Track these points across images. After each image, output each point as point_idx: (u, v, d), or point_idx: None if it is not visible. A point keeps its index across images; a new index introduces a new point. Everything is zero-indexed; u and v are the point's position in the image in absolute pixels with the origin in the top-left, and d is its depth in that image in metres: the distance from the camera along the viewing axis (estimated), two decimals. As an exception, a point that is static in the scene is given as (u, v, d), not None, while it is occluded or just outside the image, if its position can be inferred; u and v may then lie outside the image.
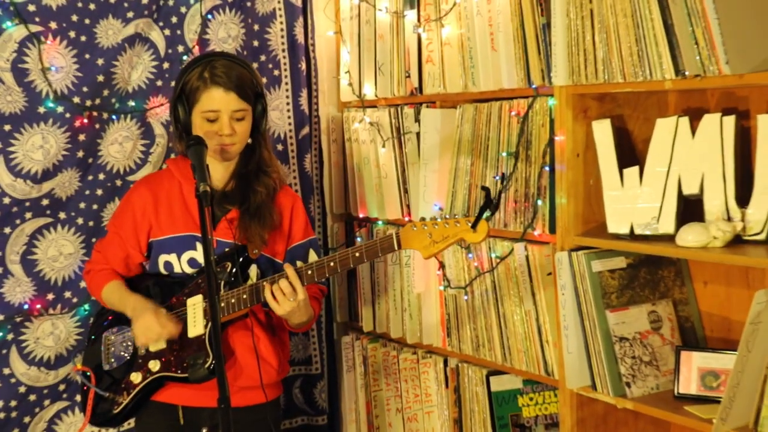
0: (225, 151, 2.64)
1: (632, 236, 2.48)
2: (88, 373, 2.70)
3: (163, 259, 2.70)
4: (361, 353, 3.46)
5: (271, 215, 2.66)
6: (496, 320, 2.88)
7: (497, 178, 2.80)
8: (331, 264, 2.53)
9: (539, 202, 2.70)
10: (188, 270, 2.68)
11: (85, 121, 3.04)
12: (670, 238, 2.41)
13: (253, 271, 2.67)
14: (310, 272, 2.55)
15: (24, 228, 3.01)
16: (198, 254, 2.67)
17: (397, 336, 3.29)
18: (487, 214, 2.41)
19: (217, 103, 2.58)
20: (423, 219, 2.48)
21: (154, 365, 2.62)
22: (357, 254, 2.51)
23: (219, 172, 2.69)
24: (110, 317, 2.76)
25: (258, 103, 2.67)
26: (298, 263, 2.64)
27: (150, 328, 2.58)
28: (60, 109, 3.00)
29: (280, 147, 3.45)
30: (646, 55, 2.32)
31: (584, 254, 2.55)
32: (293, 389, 3.53)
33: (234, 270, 2.61)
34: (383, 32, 3.22)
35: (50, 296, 3.09)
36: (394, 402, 3.34)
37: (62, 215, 3.08)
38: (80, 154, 3.07)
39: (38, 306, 3.07)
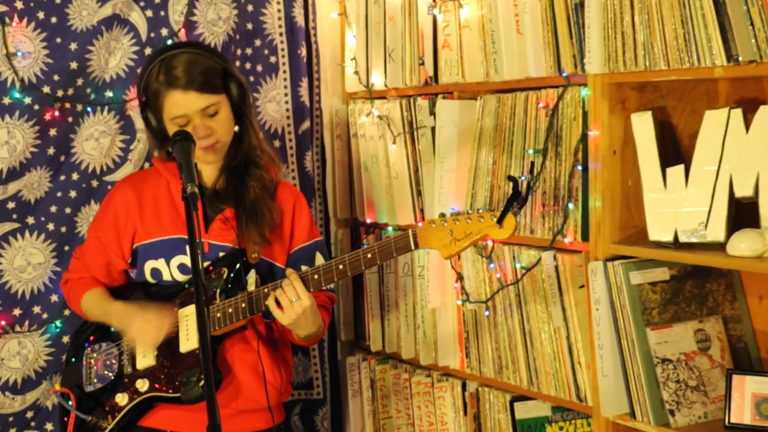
0: (211, 152, 2.64)
1: (676, 244, 2.47)
2: (68, 395, 2.68)
3: (150, 265, 2.69)
4: (368, 376, 3.45)
5: (270, 211, 2.66)
6: (521, 339, 2.87)
7: (523, 178, 2.79)
8: (340, 267, 2.52)
9: (570, 206, 2.69)
10: (179, 277, 2.67)
11: (57, 113, 3.04)
12: (720, 247, 2.40)
13: (252, 277, 2.66)
14: (316, 276, 2.54)
15: (-11, 235, 3.02)
16: (189, 259, 2.64)
17: (409, 356, 3.28)
18: (515, 207, 2.40)
19: (181, 107, 2.60)
20: (442, 215, 2.47)
21: (142, 385, 2.61)
22: (369, 255, 2.50)
23: (207, 169, 2.71)
24: (92, 333, 2.75)
25: (230, 86, 2.65)
26: (303, 268, 2.63)
27: (143, 332, 2.58)
28: (28, 100, 3.00)
29: (277, 143, 3.45)
30: (694, 38, 2.30)
31: (621, 264, 2.54)
32: (292, 416, 3.52)
33: (231, 276, 2.59)
34: (394, 14, 3.21)
35: (17, 312, 3.09)
36: (406, 431, 3.32)
37: (30, 220, 3.08)
38: (51, 151, 3.06)
39: (3, 323, 3.07)
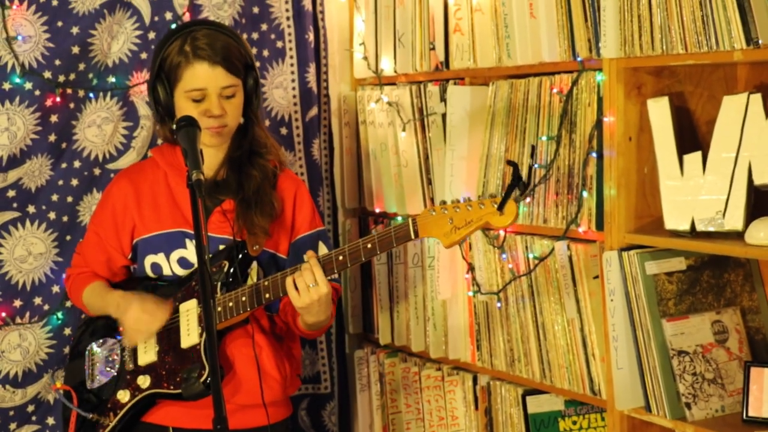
0: (216, 135, 2.64)
1: (693, 233, 2.47)
2: (70, 393, 2.70)
3: (149, 260, 2.70)
4: (377, 369, 3.45)
5: (271, 202, 2.66)
6: (533, 331, 2.87)
7: (536, 166, 2.79)
8: (340, 258, 2.52)
9: (584, 194, 2.69)
10: (179, 271, 2.68)
11: (58, 99, 3.05)
12: (738, 236, 2.39)
13: (254, 270, 2.66)
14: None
15: (-13, 224, 3.03)
16: (189, 253, 2.67)
17: (418, 350, 3.28)
18: (515, 193, 2.38)
19: (203, 81, 2.59)
20: (443, 202, 2.47)
21: (144, 381, 2.62)
22: (369, 245, 2.50)
23: (209, 159, 2.68)
24: (94, 328, 2.76)
25: (248, 76, 2.67)
26: (309, 252, 2.61)
27: (139, 320, 2.59)
28: (28, 85, 3.01)
29: (284, 131, 3.45)
30: (712, 20, 2.30)
31: (637, 254, 2.54)
32: (299, 411, 3.53)
33: (232, 269, 2.60)
34: (403, -3, 3.21)
35: (17, 303, 3.10)
36: (416, 426, 3.33)
37: (31, 209, 3.09)
38: (52, 138, 3.07)
39: (3, 314, 3.08)
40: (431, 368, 3.26)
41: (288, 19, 3.43)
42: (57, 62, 3.03)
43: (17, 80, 2.99)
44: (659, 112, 2.52)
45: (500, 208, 2.39)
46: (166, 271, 2.69)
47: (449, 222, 2.44)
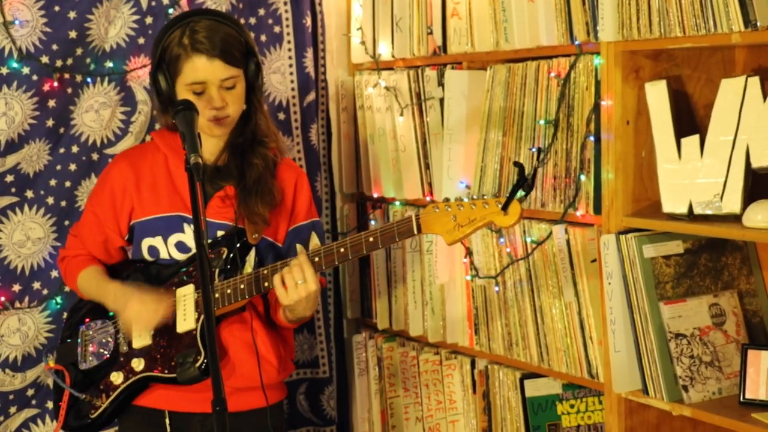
0: (219, 125, 2.64)
1: (691, 216, 2.47)
2: (62, 372, 2.70)
3: (147, 243, 2.70)
4: (375, 354, 3.46)
5: (271, 191, 2.66)
6: (531, 315, 2.87)
7: (534, 150, 2.80)
8: (341, 250, 2.52)
9: (582, 178, 2.69)
10: (176, 255, 2.68)
11: (56, 84, 3.04)
12: (735, 219, 2.40)
13: (252, 257, 2.66)
14: (317, 259, 2.54)
15: (-11, 209, 3.03)
16: (187, 237, 2.67)
17: (416, 334, 3.29)
18: (520, 194, 2.40)
19: (202, 74, 2.58)
20: (447, 199, 2.48)
21: (138, 364, 2.62)
22: (371, 239, 2.50)
23: (210, 144, 2.69)
24: (87, 310, 2.76)
25: (249, 63, 2.66)
26: (299, 247, 2.64)
27: (138, 315, 2.59)
28: (26, 70, 3.00)
29: (281, 116, 3.44)
30: (710, 3, 2.30)
31: (635, 237, 2.54)
32: (297, 395, 3.53)
33: (231, 256, 2.60)
34: (401, -19, 3.21)
35: (16, 287, 3.10)
36: (414, 410, 3.33)
37: (29, 194, 3.09)
38: (50, 122, 3.06)
39: (2, 299, 3.08)
40: (429, 352, 3.26)
41: (285, 4, 3.42)
42: (54, 47, 3.02)
43: (15, 65, 2.98)
44: (657, 95, 2.52)
45: (504, 207, 2.40)
46: (164, 255, 2.69)
47: (452, 219, 2.45)
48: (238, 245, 2.62)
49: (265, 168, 2.68)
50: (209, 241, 2.62)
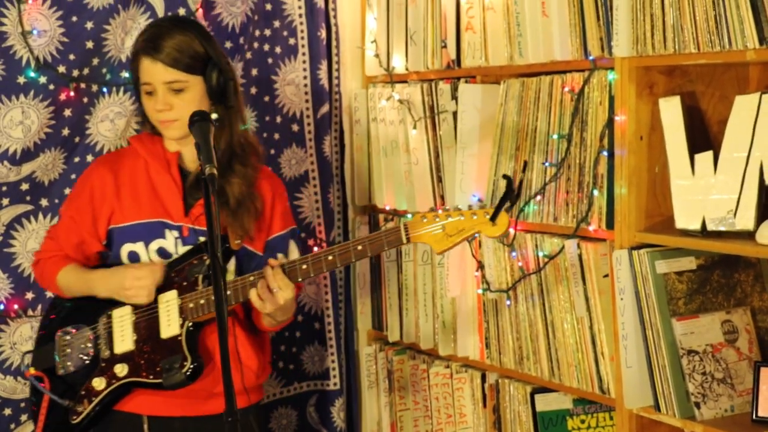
0: (166, 127, 2.68)
1: (704, 233, 2.46)
2: (42, 378, 2.71)
3: (127, 248, 2.72)
4: (385, 366, 3.45)
5: (254, 203, 2.70)
6: (542, 329, 2.86)
7: (547, 164, 2.79)
8: (330, 258, 2.57)
9: (595, 193, 2.68)
10: (157, 261, 2.71)
11: (72, 93, 3.05)
12: (749, 236, 2.39)
13: (232, 264, 2.71)
14: (305, 266, 2.60)
15: (0, 216, 3.02)
16: (168, 243, 2.70)
17: (427, 347, 3.28)
18: (506, 205, 2.50)
19: (148, 75, 2.66)
20: (433, 209, 2.56)
21: (121, 370, 2.65)
22: (359, 247, 2.56)
23: (190, 153, 2.74)
24: (62, 316, 2.77)
25: (210, 71, 2.68)
26: (280, 256, 2.70)
27: (138, 276, 2.63)
28: (43, 79, 3.01)
29: (295, 127, 3.44)
30: (725, 20, 2.29)
31: (647, 253, 2.53)
32: (307, 407, 3.53)
33: None
34: (416, -5, 3.21)
35: (29, 295, 3.10)
36: (423, 423, 3.33)
37: (44, 202, 3.09)
38: (65, 131, 3.07)
39: (15, 306, 3.08)
40: (440, 366, 3.26)
41: (300, 16, 3.42)
42: (71, 57, 3.03)
43: (32, 74, 2.99)
44: (671, 111, 2.52)
45: (493, 218, 2.50)
46: (144, 260, 2.71)
47: (441, 229, 2.53)
48: (220, 252, 2.64)
49: (248, 186, 2.71)
50: (190, 247, 2.68)
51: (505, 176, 2.50)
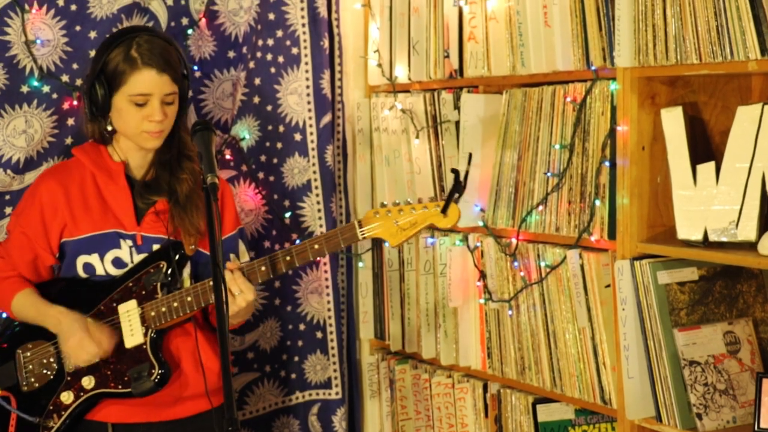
0: (155, 138, 2.70)
1: (706, 243, 2.46)
2: (8, 398, 2.72)
3: (82, 260, 2.73)
4: (387, 376, 3.44)
5: (201, 200, 2.71)
6: (544, 339, 2.86)
7: (549, 174, 2.79)
8: (288, 258, 2.63)
9: (597, 203, 2.68)
10: (113, 271, 2.72)
11: (75, 102, 3.05)
12: (751, 246, 2.38)
13: (187, 269, 2.72)
14: (264, 268, 2.63)
15: (3, 225, 3.01)
16: (124, 253, 2.71)
17: (429, 357, 3.27)
18: (455, 196, 2.58)
19: (149, 86, 2.66)
20: (383, 204, 2.63)
21: (89, 382, 2.66)
22: (316, 246, 2.62)
23: (137, 160, 2.77)
24: (19, 332, 2.76)
25: (183, 81, 2.74)
26: (232, 257, 2.74)
27: (84, 347, 2.62)
28: (46, 88, 3.01)
29: (298, 137, 3.44)
30: (727, 30, 2.29)
31: (649, 264, 2.53)
32: (309, 416, 3.52)
33: (170, 270, 2.67)
34: (418, 5, 3.21)
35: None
36: (425, 433, 3.31)
37: (47, 211, 3.08)
38: (68, 140, 3.07)
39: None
40: (442, 375, 3.25)
41: (303, 25, 3.42)
42: (75, 66, 3.03)
43: (35, 83, 2.99)
44: (673, 121, 2.52)
45: (444, 210, 2.58)
46: (100, 271, 2.72)
47: (395, 223, 2.61)
48: (176, 258, 2.68)
49: (195, 182, 2.74)
50: (145, 255, 2.70)
51: (453, 170, 2.59)
